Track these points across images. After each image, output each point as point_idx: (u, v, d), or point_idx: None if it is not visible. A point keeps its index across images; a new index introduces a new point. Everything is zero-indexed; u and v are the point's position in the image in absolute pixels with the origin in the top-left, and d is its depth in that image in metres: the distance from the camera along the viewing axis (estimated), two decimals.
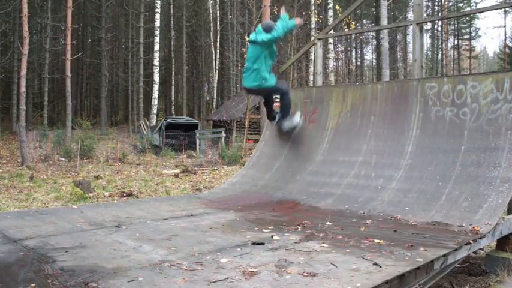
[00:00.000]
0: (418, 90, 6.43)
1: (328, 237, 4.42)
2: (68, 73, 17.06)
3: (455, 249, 3.95)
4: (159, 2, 25.50)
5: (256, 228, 4.84)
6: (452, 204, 5.20)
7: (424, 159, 5.99)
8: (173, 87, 37.52)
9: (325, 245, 4.09)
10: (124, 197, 9.83)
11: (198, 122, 24.83)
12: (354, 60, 50.00)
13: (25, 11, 13.87)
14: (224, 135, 22.59)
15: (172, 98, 37.60)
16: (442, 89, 6.18)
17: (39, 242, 4.21)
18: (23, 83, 13.97)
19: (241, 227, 4.90)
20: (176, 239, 4.35)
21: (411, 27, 7.79)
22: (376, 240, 4.21)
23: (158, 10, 25.94)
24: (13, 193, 9.96)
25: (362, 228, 4.80)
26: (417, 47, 7.30)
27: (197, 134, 22.46)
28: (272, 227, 4.91)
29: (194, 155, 21.62)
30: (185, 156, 20.88)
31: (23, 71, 13.85)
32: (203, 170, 16.02)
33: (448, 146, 5.87)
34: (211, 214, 5.69)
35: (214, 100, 32.07)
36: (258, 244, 4.16)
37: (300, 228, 4.86)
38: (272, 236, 4.45)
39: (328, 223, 5.08)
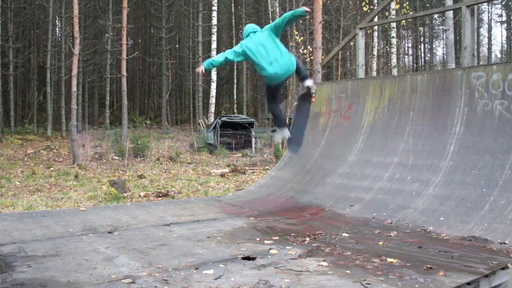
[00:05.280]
0: (463, 81, 5.54)
1: (335, 252, 3.76)
2: (124, 73, 17.20)
3: (486, 275, 3.16)
4: (216, 0, 25.37)
5: (258, 239, 4.26)
6: (497, 215, 4.34)
7: (467, 161, 5.12)
8: (235, 86, 37.41)
9: (324, 263, 3.44)
10: (160, 197, 9.54)
11: (253, 120, 24.36)
12: (422, 56, 47.21)
13: (76, 11, 14.09)
14: None
15: (235, 97, 37.49)
16: (491, 78, 5.27)
17: (16, 248, 3.89)
18: (74, 82, 14.18)
19: (243, 237, 4.35)
20: (161, 250, 3.88)
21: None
22: (389, 260, 3.50)
23: (215, 8, 25.80)
24: (53, 192, 9.99)
25: (381, 242, 4.08)
26: (467, 32, 6.37)
27: (252, 133, 22.03)
28: (277, 238, 4.31)
29: (249, 154, 21.24)
30: (239, 155, 20.53)
31: (74, 71, 14.09)
32: (254, 169, 15.54)
33: (497, 146, 4.97)
34: (219, 220, 5.17)
35: None
36: (248, 259, 3.59)
37: (308, 240, 4.22)
38: (270, 250, 3.87)
39: (344, 234, 4.41)
